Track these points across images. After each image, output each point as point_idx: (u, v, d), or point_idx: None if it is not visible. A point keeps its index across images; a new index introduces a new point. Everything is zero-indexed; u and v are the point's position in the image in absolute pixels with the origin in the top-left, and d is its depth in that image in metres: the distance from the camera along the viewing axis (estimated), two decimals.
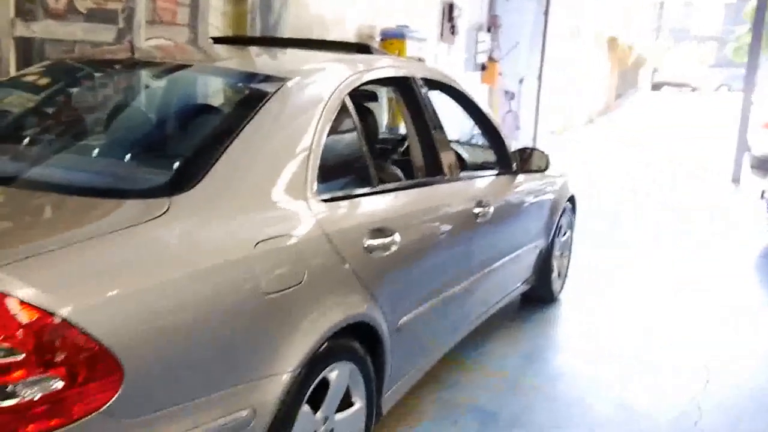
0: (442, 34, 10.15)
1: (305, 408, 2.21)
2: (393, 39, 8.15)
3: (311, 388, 2.22)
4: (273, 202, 2.19)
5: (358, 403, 2.54)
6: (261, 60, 3.16)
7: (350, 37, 8.04)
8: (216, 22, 6.38)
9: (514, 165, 4.06)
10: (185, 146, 2.41)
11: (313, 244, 2.24)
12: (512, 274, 4.21)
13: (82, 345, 1.58)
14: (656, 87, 43.43)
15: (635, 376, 3.99)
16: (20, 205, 1.97)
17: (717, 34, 56.12)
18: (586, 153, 14.40)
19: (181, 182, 2.02)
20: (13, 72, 4.57)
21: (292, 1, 6.95)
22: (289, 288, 2.11)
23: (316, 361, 2.20)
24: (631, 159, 13.87)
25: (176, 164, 2.17)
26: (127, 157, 2.49)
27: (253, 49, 3.45)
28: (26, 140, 2.66)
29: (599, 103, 24.68)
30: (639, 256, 6.58)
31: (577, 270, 5.53)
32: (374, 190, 2.70)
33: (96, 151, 2.53)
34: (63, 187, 2.06)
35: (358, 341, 2.46)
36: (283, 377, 2.07)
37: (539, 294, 4.90)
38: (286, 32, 7.00)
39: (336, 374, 2.35)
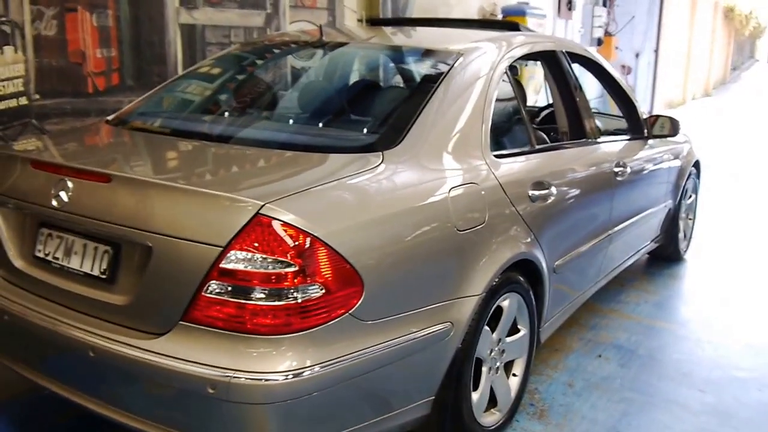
0: (559, 10, 10.37)
1: (486, 328, 2.67)
2: (514, 16, 8.46)
3: (490, 312, 2.68)
4: (458, 156, 2.64)
5: (523, 331, 2.98)
6: (432, 37, 3.60)
7: (473, 14, 8.42)
8: (351, 5, 6.89)
9: (646, 131, 4.37)
10: (386, 111, 2.89)
11: (491, 191, 2.68)
12: (644, 231, 4.55)
13: (334, 260, 2.07)
14: None
15: (760, 320, 4.34)
16: (269, 160, 2.48)
17: None
18: (704, 124, 14.28)
19: (389, 140, 2.50)
20: (180, 55, 5.18)
21: None
22: (475, 227, 2.56)
23: (494, 290, 2.65)
24: (748, 130, 13.67)
25: (383, 126, 2.66)
26: (340, 121, 3.04)
27: (418, 29, 3.90)
28: (258, 110, 3.24)
29: (715, 76, 24.05)
30: (761, 221, 6.75)
31: (701, 232, 5.80)
32: (533, 149, 3.12)
33: (313, 117, 3.08)
34: (293, 145, 2.59)
35: (523, 277, 2.88)
36: (473, 299, 2.53)
37: (667, 253, 5.21)
38: (414, 12, 7.46)
39: (507, 303, 2.80)
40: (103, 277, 2.27)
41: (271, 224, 2.00)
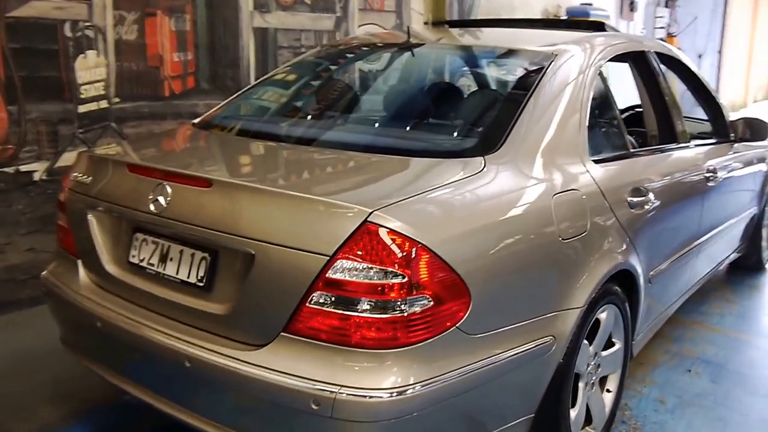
0: (621, 11, 10.18)
1: (584, 341, 2.56)
2: (578, 17, 8.30)
3: (590, 325, 2.57)
4: (558, 161, 2.54)
5: (618, 344, 2.87)
6: (518, 38, 3.49)
7: (536, 16, 8.29)
8: (418, 8, 6.83)
9: (732, 134, 4.21)
10: (481, 115, 2.81)
11: (592, 198, 2.57)
12: (730, 240, 4.39)
13: (443, 271, 1.99)
14: None
15: None
16: (369, 165, 2.42)
17: None
18: None
19: (488, 144, 2.42)
20: (252, 58, 5.18)
21: None
22: (579, 235, 2.46)
23: (594, 302, 2.54)
24: None
25: (479, 129, 2.58)
26: (433, 124, 2.95)
27: (503, 30, 3.79)
28: (349, 114, 3.18)
29: None
30: None
31: None
32: (628, 153, 3.01)
33: (404, 120, 3.00)
34: (391, 149, 2.51)
35: (620, 288, 2.77)
36: (575, 312, 2.43)
37: (748, 262, 5.02)
38: (479, 14, 7.36)
39: (605, 315, 2.70)
40: (200, 284, 2.23)
41: (378, 232, 1.93)
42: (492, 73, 3.56)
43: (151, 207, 2.30)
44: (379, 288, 1.93)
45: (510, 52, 3.24)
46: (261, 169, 2.58)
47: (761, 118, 4.35)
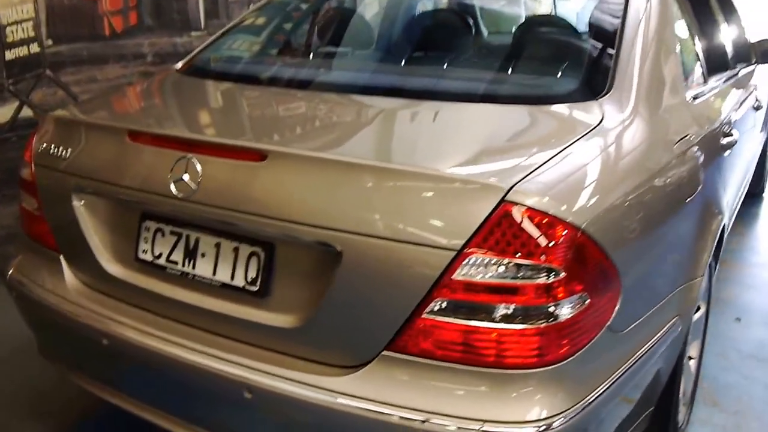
0: None
1: None
2: None
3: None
4: (666, 103, 2.07)
5: (703, 307, 2.48)
6: None
7: None
8: None
9: (754, 57, 3.82)
10: (575, 52, 2.26)
11: (702, 142, 2.12)
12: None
13: (598, 258, 1.51)
14: None
15: None
16: (472, 118, 1.87)
17: None
18: None
19: (598, 87, 1.91)
20: None
21: None
22: (697, 191, 2.02)
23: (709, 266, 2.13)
24: None
25: (582, 68, 2.06)
26: (541, 68, 2.29)
27: None
28: (415, 54, 2.54)
29: None
30: None
31: None
32: (709, 87, 2.55)
33: (508, 64, 2.37)
34: (486, 97, 1.97)
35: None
36: (698, 282, 2.03)
37: (754, 190, 4.76)
38: None
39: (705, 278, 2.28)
40: (252, 288, 1.68)
41: (522, 215, 1.42)
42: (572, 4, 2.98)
43: (173, 189, 1.70)
44: (525, 288, 1.43)
45: None
46: (326, 133, 1.93)
47: None
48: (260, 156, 1.61)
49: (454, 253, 1.43)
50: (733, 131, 2.49)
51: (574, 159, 1.59)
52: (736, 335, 3.14)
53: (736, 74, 3.06)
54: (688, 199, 1.95)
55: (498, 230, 1.41)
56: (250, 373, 1.63)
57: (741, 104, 2.87)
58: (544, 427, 1.45)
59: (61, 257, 2.01)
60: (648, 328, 1.75)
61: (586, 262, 1.48)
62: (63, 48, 3.64)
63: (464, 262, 1.43)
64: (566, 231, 1.44)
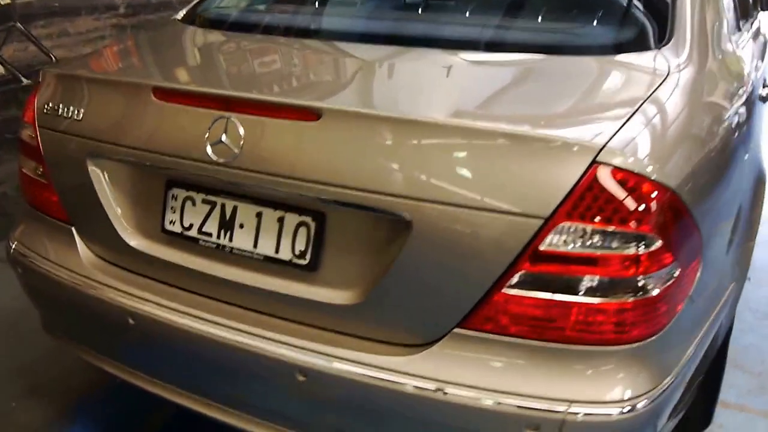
0: None
1: None
2: None
3: None
4: (724, 50, 1.94)
5: None
6: None
7: None
8: None
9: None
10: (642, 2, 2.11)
11: (749, 92, 2.01)
12: None
13: (689, 224, 1.40)
14: None
15: None
16: (549, 71, 1.71)
17: None
18: None
19: (656, 33, 1.78)
20: None
21: None
22: (751, 142, 1.92)
23: None
24: None
25: (646, 19, 1.90)
26: (595, 15, 2.11)
27: None
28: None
29: None
30: None
31: None
32: (744, 34, 2.44)
33: (558, 13, 2.17)
34: (540, 47, 1.78)
35: None
36: (754, 244, 1.93)
37: None
38: None
39: None
40: (301, 262, 1.53)
41: (617, 178, 1.29)
42: None
43: (210, 153, 1.54)
44: (620, 260, 1.31)
45: None
46: (386, 90, 1.75)
47: None
48: (315, 115, 1.45)
49: (541, 222, 1.30)
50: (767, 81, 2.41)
51: (654, 113, 1.47)
52: (748, 295, 3.06)
53: (756, 21, 2.96)
54: (746, 156, 1.85)
55: (590, 195, 1.29)
56: (302, 353, 1.49)
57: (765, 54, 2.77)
58: (629, 408, 1.35)
59: (73, 229, 1.83)
60: (715, 295, 1.66)
61: (680, 230, 1.37)
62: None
63: (553, 230, 1.30)
64: (666, 195, 1.33)
